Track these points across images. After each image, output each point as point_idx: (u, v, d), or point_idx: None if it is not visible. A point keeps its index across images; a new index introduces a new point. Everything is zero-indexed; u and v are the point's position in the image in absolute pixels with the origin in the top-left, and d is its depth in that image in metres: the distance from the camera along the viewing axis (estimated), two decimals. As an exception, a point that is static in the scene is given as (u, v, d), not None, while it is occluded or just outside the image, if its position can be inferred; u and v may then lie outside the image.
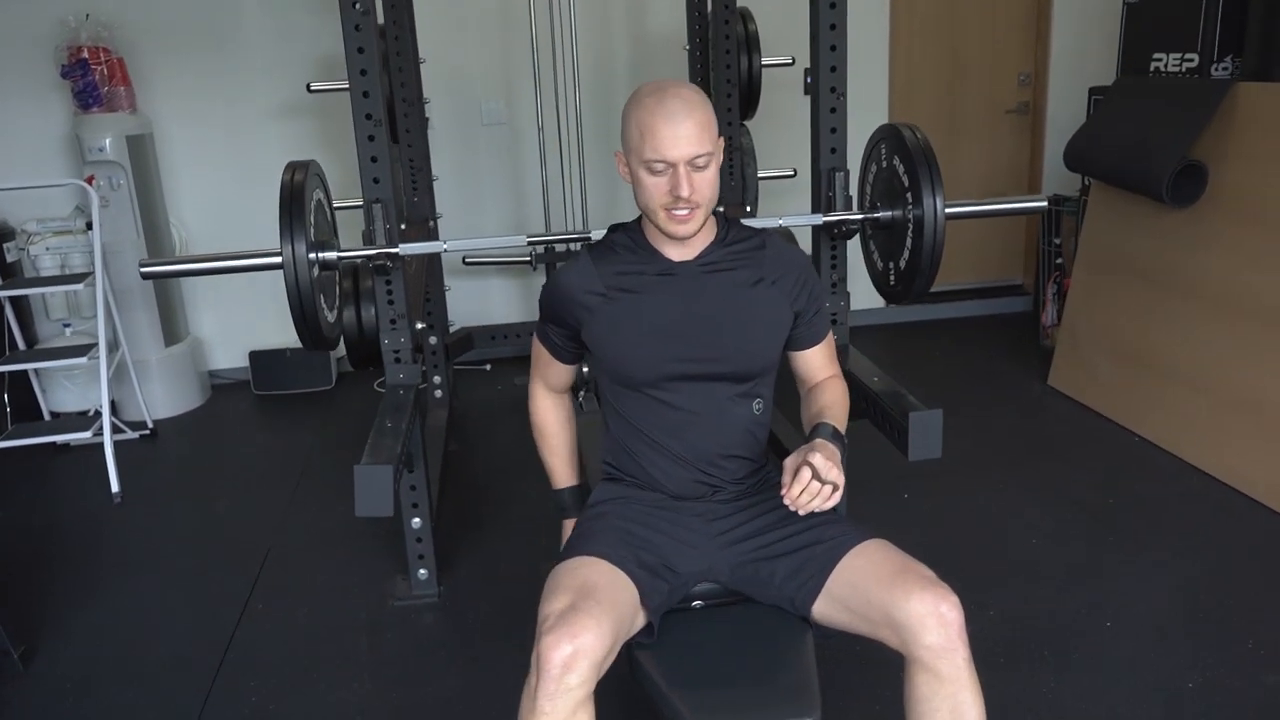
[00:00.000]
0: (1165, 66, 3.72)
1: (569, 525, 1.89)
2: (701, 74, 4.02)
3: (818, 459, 1.55)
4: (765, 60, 3.79)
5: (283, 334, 4.50)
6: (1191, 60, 3.60)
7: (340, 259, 2.34)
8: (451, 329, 4.31)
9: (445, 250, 2.41)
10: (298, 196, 2.16)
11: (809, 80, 4.75)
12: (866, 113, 4.82)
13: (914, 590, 1.48)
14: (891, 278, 2.55)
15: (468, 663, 2.43)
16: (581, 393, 3.94)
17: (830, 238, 2.60)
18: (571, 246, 4.13)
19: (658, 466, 1.73)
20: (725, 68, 3.53)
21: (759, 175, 3.90)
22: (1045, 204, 2.59)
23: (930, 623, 1.46)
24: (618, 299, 1.68)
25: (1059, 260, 4.66)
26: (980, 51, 4.98)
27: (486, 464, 3.63)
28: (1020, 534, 2.91)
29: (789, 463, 1.59)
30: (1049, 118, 4.97)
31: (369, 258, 2.36)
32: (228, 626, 2.62)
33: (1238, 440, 3.12)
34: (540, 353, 1.85)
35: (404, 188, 3.53)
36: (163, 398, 4.22)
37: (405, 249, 2.38)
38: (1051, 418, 3.81)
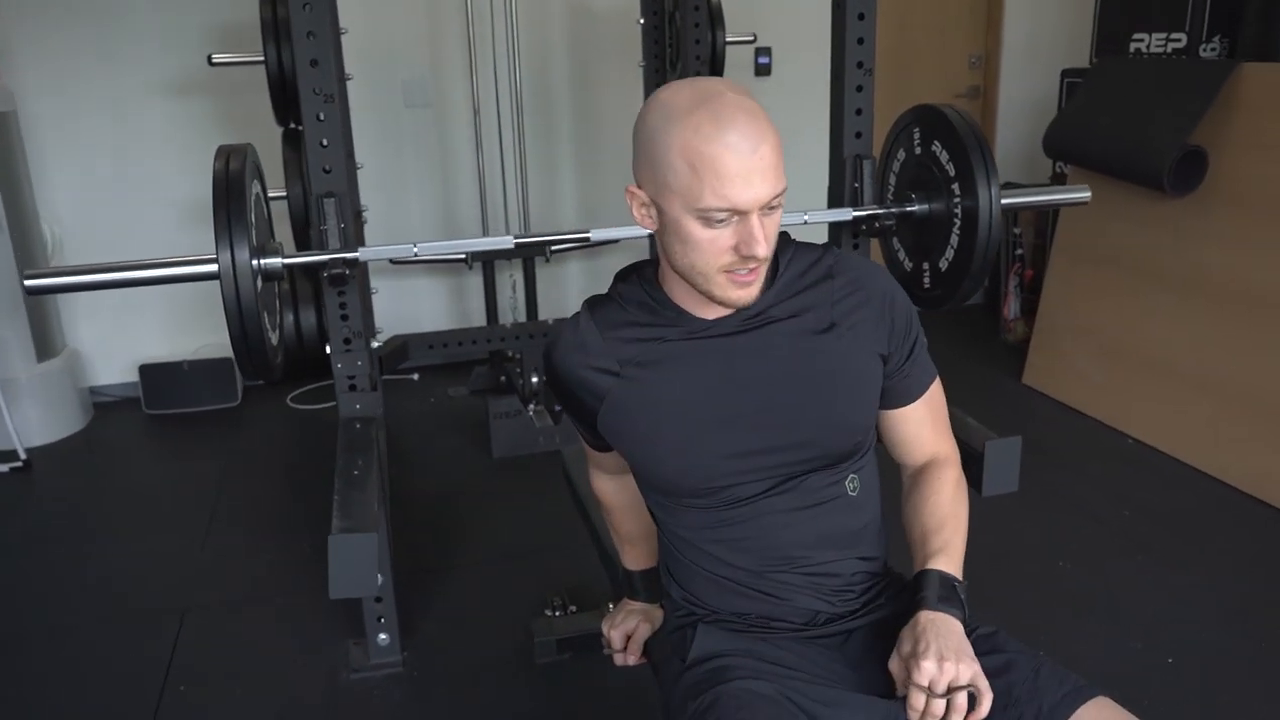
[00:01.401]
0: (1148, 47, 3.54)
1: (631, 604, 1.49)
2: (658, 51, 3.66)
3: (928, 667, 1.07)
4: (728, 38, 3.45)
5: (177, 343, 3.95)
6: (1178, 40, 3.42)
7: (286, 267, 1.88)
8: (378, 337, 3.83)
9: (415, 255, 1.98)
10: (236, 189, 1.70)
11: (762, 61, 4.47)
12: (816, 98, 4.57)
13: None
14: (926, 280, 2.24)
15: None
16: (532, 405, 3.54)
17: (853, 236, 2.27)
18: (549, 253, 3.72)
19: (759, 589, 1.24)
20: (695, 43, 3.17)
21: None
22: (1089, 195, 2.32)
23: None
24: (635, 378, 1.20)
25: (1019, 251, 4.47)
26: (929, 34, 4.75)
27: (433, 494, 3.18)
28: (1046, 557, 2.65)
29: (893, 667, 1.13)
30: (1001, 101, 4.78)
31: (322, 264, 1.91)
32: (141, 720, 2.14)
33: (1246, 443, 2.95)
34: (583, 442, 1.40)
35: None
36: (37, 422, 3.62)
37: (366, 253, 1.94)
38: (1036, 420, 3.60)
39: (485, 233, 3.85)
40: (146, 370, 3.90)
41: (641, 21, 3.65)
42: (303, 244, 3.31)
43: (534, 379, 3.62)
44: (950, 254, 2.12)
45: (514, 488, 3.17)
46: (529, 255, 3.88)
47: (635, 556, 1.48)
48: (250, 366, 1.78)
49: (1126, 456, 3.23)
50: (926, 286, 2.25)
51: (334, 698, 2.20)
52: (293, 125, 3.23)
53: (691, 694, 1.19)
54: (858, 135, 2.23)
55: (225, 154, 1.79)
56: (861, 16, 2.16)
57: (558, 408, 3.57)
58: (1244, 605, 2.40)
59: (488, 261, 3.93)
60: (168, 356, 3.91)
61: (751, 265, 1.11)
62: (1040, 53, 4.52)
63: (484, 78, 3.76)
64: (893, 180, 2.28)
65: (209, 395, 3.94)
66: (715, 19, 3.42)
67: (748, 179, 1.05)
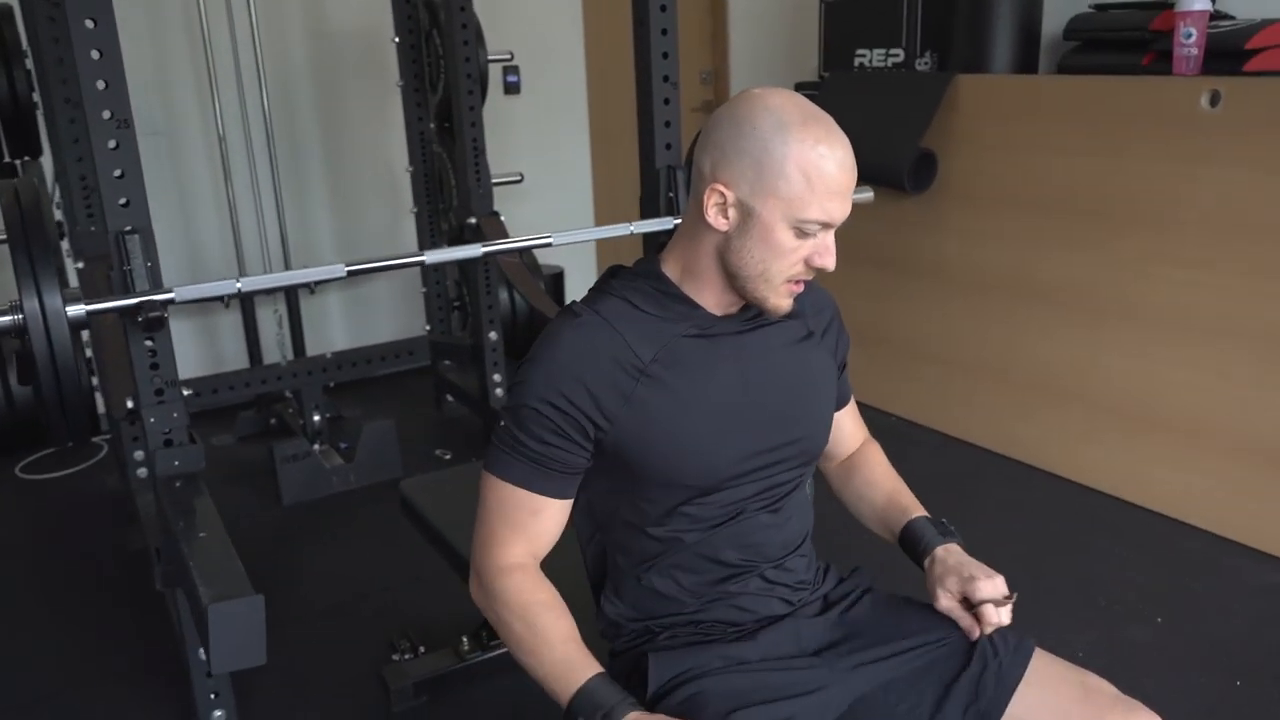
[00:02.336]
0: (870, 61, 3.91)
1: (643, 715, 1.10)
2: (417, 70, 3.57)
3: (985, 585, 1.21)
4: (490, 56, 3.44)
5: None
6: (897, 55, 3.80)
7: (90, 314, 1.66)
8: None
9: (239, 290, 1.80)
10: (36, 226, 1.48)
11: (511, 80, 4.47)
12: (567, 114, 4.65)
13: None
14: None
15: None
16: (317, 445, 3.34)
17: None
18: (314, 286, 3.46)
19: (725, 594, 1.26)
20: (465, 60, 3.12)
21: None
22: (871, 195, 2.53)
23: None
24: (660, 376, 1.18)
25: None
26: (664, 50, 4.96)
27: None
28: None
29: (946, 604, 1.25)
30: (733, 115, 5.07)
31: (135, 308, 1.70)
32: None
33: (997, 410, 3.33)
34: (516, 507, 1.19)
35: (80, 215, 2.72)
36: None
37: (183, 293, 1.75)
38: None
39: (243, 271, 3.58)
40: None
41: (397, 40, 3.55)
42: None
43: (315, 417, 3.42)
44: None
45: (316, 535, 2.97)
46: (293, 288, 3.66)
47: (589, 658, 1.15)
48: (69, 427, 1.56)
49: (894, 432, 3.54)
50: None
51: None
52: (20, 158, 2.86)
53: None
54: (668, 146, 2.29)
55: (11, 188, 1.55)
56: (665, 31, 2.23)
57: (344, 445, 3.38)
58: (1003, 544, 2.71)
59: (247, 299, 3.66)
60: None
61: (812, 276, 1.19)
62: (767, 67, 4.84)
63: (227, 102, 3.49)
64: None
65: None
66: (479, 37, 3.39)
67: (845, 197, 1.15)
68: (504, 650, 2.20)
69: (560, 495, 1.21)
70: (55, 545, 2.99)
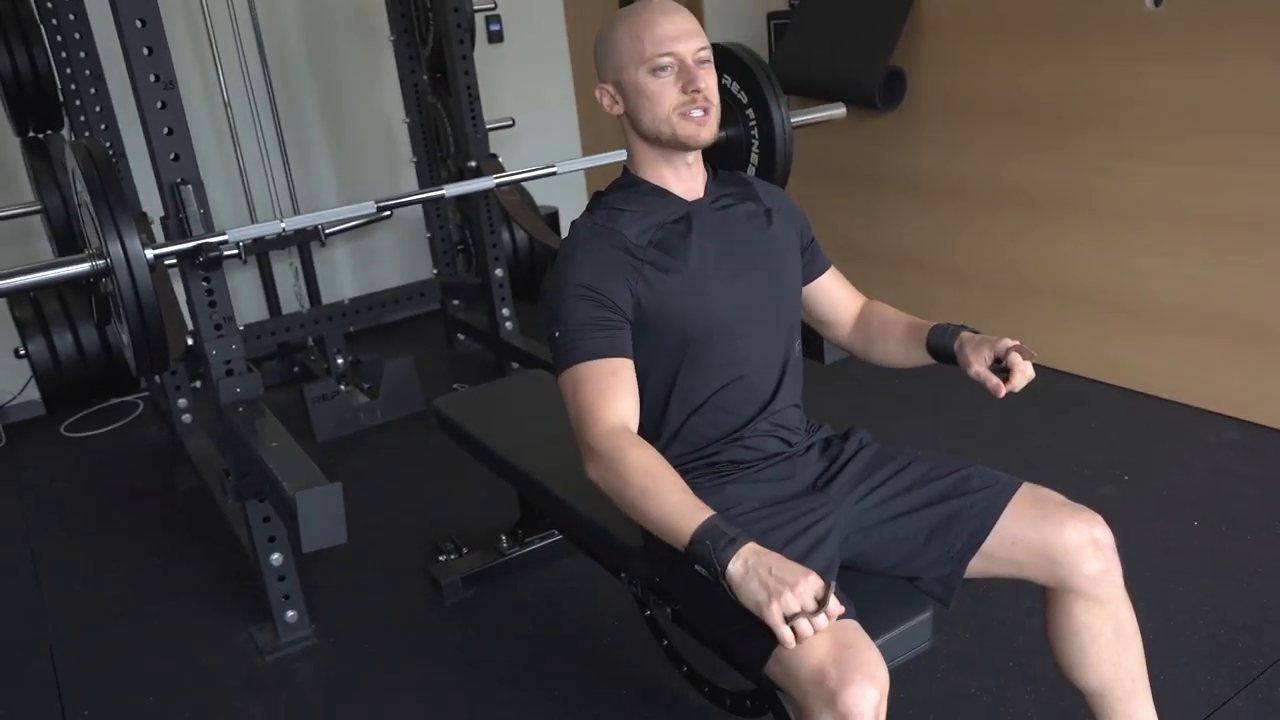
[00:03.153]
0: (837, -13, 4.07)
1: (764, 551, 1.22)
2: (406, 25, 3.73)
3: (1008, 340, 1.46)
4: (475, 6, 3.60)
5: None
6: (862, -22, 3.96)
7: (158, 257, 1.88)
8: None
9: (284, 230, 2.02)
10: (110, 177, 1.69)
11: (494, 29, 4.62)
12: (549, 58, 4.81)
13: (1065, 521, 1.40)
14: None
15: (391, 695, 2.13)
16: (343, 385, 3.56)
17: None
18: (324, 236, 3.68)
19: (737, 438, 1.50)
20: (454, 11, 3.29)
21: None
22: (844, 111, 2.74)
23: (1088, 550, 1.39)
24: (655, 257, 1.44)
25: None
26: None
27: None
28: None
29: (978, 368, 1.46)
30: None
31: (197, 250, 1.91)
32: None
33: (968, 311, 3.57)
34: (598, 376, 1.36)
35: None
36: None
37: (236, 234, 1.96)
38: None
39: (253, 220, 3.78)
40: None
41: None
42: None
43: (339, 360, 3.64)
44: (750, 173, 2.44)
45: (352, 466, 3.20)
46: (305, 240, 3.86)
47: (700, 502, 1.28)
48: (155, 359, 1.78)
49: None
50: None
51: (255, 682, 2.21)
52: (41, 133, 3.04)
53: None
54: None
55: (82, 148, 1.76)
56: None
57: (366, 385, 3.60)
58: (980, 425, 2.95)
59: (262, 253, 3.86)
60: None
61: (699, 102, 1.42)
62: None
63: (228, 65, 3.65)
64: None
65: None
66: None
67: (678, 32, 1.41)
68: (539, 545, 2.48)
69: (625, 352, 1.40)
70: (114, 490, 3.24)
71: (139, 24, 1.88)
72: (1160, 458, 2.72)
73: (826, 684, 1.16)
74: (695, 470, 1.50)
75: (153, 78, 1.90)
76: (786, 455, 1.54)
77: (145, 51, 1.89)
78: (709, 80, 1.43)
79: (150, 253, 1.85)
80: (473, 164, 3.40)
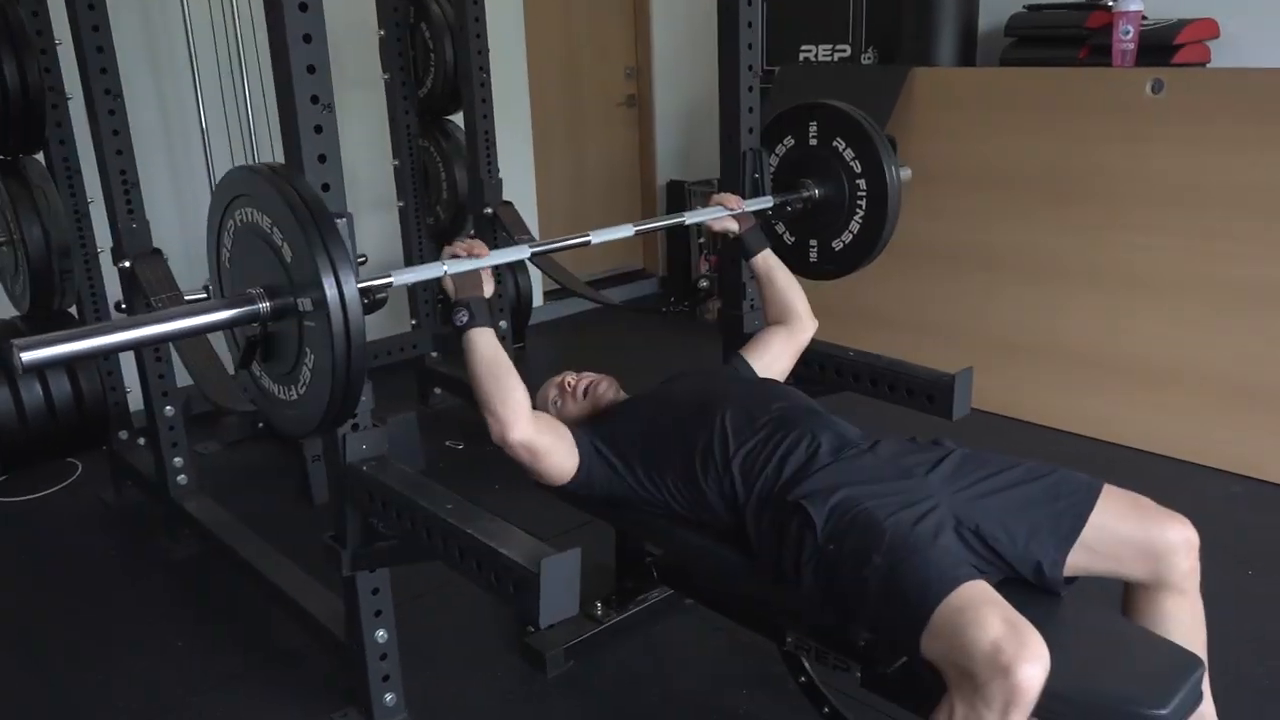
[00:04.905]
0: (816, 56, 4.21)
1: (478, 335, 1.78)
2: (403, 64, 3.57)
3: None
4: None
5: None
6: (844, 50, 4.13)
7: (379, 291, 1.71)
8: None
9: (446, 272, 1.83)
10: (320, 210, 1.50)
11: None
12: (510, 103, 4.70)
13: (1166, 522, 1.61)
14: (813, 255, 2.56)
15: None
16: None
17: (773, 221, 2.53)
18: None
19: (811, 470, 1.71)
20: (478, 54, 3.18)
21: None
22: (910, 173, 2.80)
23: (1184, 550, 1.59)
24: None
25: (701, 239, 5.01)
26: (592, 45, 5.11)
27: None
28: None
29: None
30: (656, 109, 5.28)
31: (364, 292, 1.71)
32: None
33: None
34: None
35: (120, 210, 2.58)
36: None
37: (400, 276, 1.78)
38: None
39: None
40: None
41: (382, 34, 3.54)
42: (44, 301, 2.77)
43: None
44: (851, 234, 2.46)
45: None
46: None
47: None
48: (346, 409, 1.58)
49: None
50: (813, 261, 2.58)
51: (363, 774, 1.97)
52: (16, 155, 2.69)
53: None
54: (750, 130, 2.47)
55: (281, 173, 1.56)
56: (750, 24, 2.40)
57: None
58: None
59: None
60: None
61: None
62: (691, 65, 5.06)
63: (209, 95, 3.37)
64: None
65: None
66: (453, 30, 3.43)
67: None
68: (638, 609, 2.36)
69: None
70: (94, 563, 2.83)
71: (304, 40, 1.70)
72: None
73: (1001, 659, 1.28)
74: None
75: (312, 99, 1.72)
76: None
77: (307, 70, 1.71)
78: None
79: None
80: (488, 210, 3.27)
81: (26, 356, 1.39)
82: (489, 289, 1.84)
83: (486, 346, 1.77)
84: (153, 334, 1.54)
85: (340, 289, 1.48)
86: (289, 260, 1.52)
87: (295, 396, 1.63)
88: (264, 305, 1.57)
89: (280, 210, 1.50)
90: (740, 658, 2.25)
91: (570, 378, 2.08)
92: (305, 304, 1.51)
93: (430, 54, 3.51)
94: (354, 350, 1.52)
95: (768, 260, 2.26)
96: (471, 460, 3.43)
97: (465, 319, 1.77)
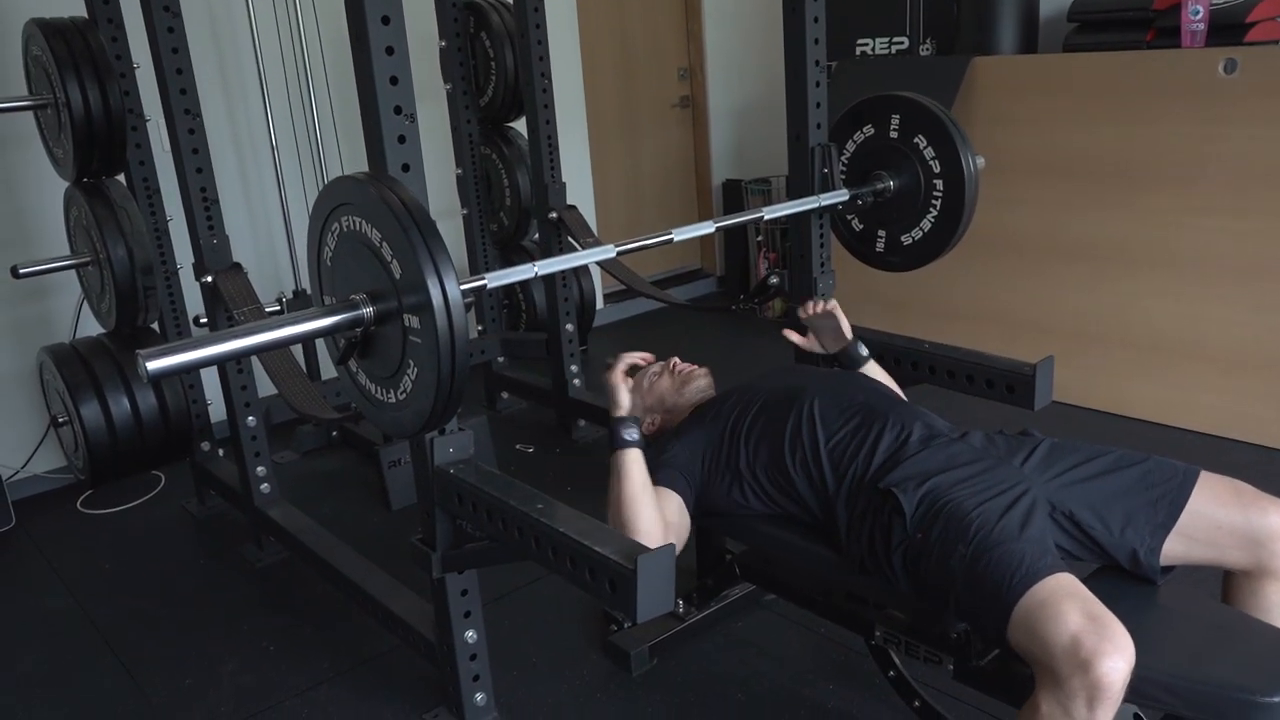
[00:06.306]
0: (873, 50, 4.19)
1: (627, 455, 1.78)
2: (464, 74, 3.61)
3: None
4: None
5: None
6: (901, 43, 4.09)
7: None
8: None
9: (536, 273, 1.87)
10: (420, 213, 1.53)
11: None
12: (567, 108, 4.73)
13: (1267, 507, 1.56)
14: (881, 245, 2.55)
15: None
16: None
17: (846, 215, 2.53)
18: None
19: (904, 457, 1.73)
20: (539, 60, 3.20)
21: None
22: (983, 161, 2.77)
23: None
24: None
25: (759, 238, 5.00)
26: (645, 48, 5.12)
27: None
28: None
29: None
30: (710, 109, 5.28)
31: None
32: None
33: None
34: None
35: (200, 227, 2.65)
36: None
37: (493, 278, 1.81)
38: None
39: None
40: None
41: (444, 44, 3.59)
42: (128, 318, 2.84)
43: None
44: (922, 230, 2.44)
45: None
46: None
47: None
48: (449, 409, 1.60)
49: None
50: (879, 251, 2.56)
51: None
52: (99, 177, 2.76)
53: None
54: (818, 126, 2.46)
55: (385, 181, 1.59)
56: (816, 20, 2.39)
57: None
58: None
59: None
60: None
61: None
62: (742, 65, 5.06)
63: (279, 110, 3.44)
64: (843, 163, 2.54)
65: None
66: (513, 38, 3.46)
67: None
68: (719, 607, 2.36)
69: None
70: (176, 570, 2.91)
71: (387, 53, 1.74)
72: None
73: (1080, 653, 1.27)
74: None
75: (394, 108, 1.75)
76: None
77: (390, 80, 1.74)
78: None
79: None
80: (553, 215, 3.30)
81: (152, 365, 1.44)
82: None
83: (641, 471, 1.77)
84: (267, 340, 1.56)
85: (444, 291, 1.50)
86: (392, 264, 1.54)
87: (397, 399, 1.66)
88: (367, 310, 1.60)
89: (384, 216, 1.53)
90: (823, 652, 2.25)
91: (678, 362, 2.15)
92: (410, 304, 1.54)
93: (491, 63, 3.54)
94: (458, 351, 1.54)
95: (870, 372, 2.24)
96: (542, 463, 3.46)
97: (634, 438, 1.79)
